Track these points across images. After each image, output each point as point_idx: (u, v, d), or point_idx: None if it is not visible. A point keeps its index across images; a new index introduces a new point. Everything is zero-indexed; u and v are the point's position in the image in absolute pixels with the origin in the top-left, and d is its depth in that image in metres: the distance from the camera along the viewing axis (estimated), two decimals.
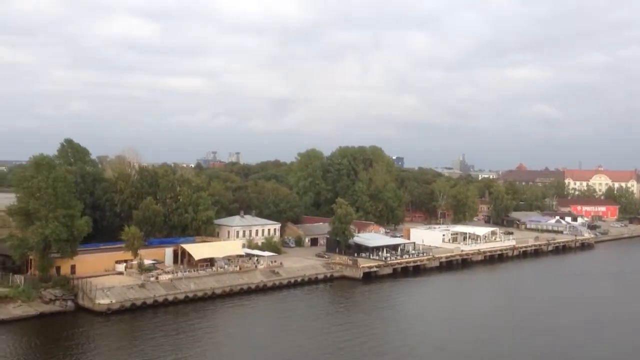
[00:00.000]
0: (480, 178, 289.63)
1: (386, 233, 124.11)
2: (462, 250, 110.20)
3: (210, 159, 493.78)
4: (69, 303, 67.23)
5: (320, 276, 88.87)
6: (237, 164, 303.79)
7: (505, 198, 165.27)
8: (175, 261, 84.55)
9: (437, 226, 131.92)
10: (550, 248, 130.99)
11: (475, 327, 64.93)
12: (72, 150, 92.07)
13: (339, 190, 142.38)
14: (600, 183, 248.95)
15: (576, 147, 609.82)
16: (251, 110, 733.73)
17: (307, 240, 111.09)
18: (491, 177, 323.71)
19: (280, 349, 55.53)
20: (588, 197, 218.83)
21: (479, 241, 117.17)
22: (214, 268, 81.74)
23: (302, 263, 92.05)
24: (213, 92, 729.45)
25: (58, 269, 72.54)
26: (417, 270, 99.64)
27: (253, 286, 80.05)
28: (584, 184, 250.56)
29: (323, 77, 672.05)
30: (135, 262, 75.47)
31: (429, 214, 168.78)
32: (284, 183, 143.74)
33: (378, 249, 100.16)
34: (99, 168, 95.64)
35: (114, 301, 66.92)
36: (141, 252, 77.76)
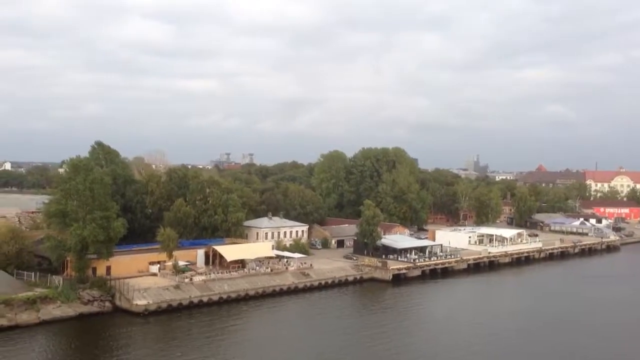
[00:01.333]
0: (497, 179, 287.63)
1: (410, 235, 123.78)
2: (489, 253, 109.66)
3: (224, 160, 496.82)
4: (107, 304, 67.96)
5: (350, 278, 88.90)
6: (253, 165, 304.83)
7: (529, 200, 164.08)
8: (206, 262, 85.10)
9: (462, 228, 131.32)
10: (576, 250, 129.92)
11: (510, 330, 64.64)
12: (103, 152, 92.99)
13: (362, 191, 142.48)
14: (622, 185, 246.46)
15: (591, 148, 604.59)
16: (263, 112, 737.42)
17: (333, 241, 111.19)
18: (508, 178, 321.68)
19: (313, 350, 55.63)
20: (611, 199, 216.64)
21: (505, 243, 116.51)
22: (245, 270, 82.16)
23: (331, 265, 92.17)
24: (226, 93, 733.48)
25: (94, 270, 73.36)
26: (445, 272, 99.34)
27: (285, 288, 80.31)
28: (605, 185, 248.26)
29: (334, 78, 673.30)
30: (169, 263, 76.06)
31: (451, 215, 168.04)
32: (303, 184, 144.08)
33: (406, 250, 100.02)
34: (129, 170, 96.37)
35: (151, 302, 67.53)
36: (175, 253, 78.33)
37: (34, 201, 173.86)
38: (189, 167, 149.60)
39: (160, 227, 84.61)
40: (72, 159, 73.21)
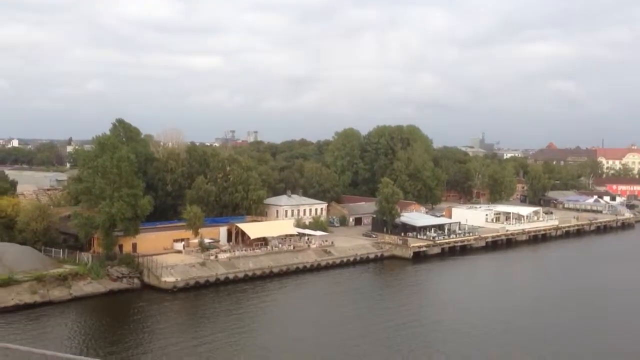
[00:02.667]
0: (505, 157, 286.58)
1: (425, 213, 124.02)
2: (507, 230, 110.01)
3: (229, 138, 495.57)
4: (135, 280, 68.78)
5: (371, 256, 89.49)
6: (261, 143, 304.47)
7: (543, 177, 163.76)
8: (228, 240, 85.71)
9: (478, 206, 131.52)
10: (592, 228, 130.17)
11: (536, 310, 65.14)
12: (124, 130, 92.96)
13: (376, 169, 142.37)
14: (634, 162, 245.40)
15: (601, 125, 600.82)
16: (268, 89, 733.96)
17: (351, 219, 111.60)
18: (516, 155, 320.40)
19: (337, 327, 56.44)
20: (623, 176, 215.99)
21: (522, 221, 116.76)
22: (268, 247, 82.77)
23: (351, 242, 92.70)
24: (230, 70, 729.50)
25: (120, 247, 74.07)
26: (464, 250, 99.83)
27: (308, 265, 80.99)
28: (617, 162, 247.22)
29: (340, 56, 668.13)
30: (195, 240, 76.66)
31: (464, 193, 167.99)
32: (313, 162, 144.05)
33: (425, 228, 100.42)
34: (149, 148, 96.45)
35: (179, 279, 68.30)
36: (200, 231, 78.89)
37: (47, 178, 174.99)
38: (197, 144, 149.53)
39: (183, 205, 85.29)
40: (99, 137, 73.43)
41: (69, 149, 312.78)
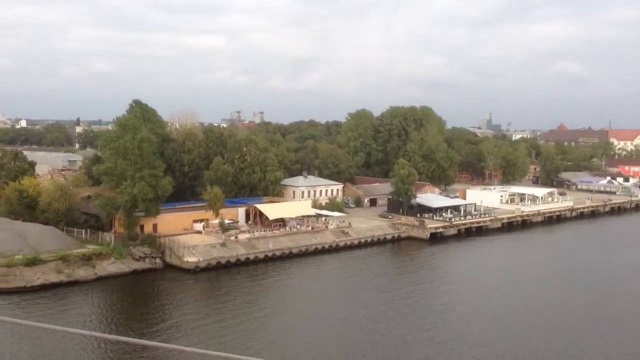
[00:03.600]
0: (514, 138, 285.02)
1: (439, 194, 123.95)
2: (522, 212, 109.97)
3: (235, 118, 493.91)
4: (158, 261, 69.45)
5: (388, 237, 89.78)
6: (269, 124, 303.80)
7: (556, 158, 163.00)
8: (246, 221, 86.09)
9: (492, 187, 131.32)
10: (606, 209, 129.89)
11: (556, 289, 65.44)
12: (141, 111, 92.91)
13: (389, 150, 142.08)
14: None
15: (608, 106, 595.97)
16: (272, 69, 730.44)
17: (366, 200, 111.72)
18: (525, 136, 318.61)
19: (358, 306, 57.04)
20: (636, 157, 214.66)
21: (537, 202, 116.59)
22: (287, 228, 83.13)
23: (368, 223, 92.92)
24: (234, 50, 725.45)
25: (141, 227, 74.59)
26: (480, 231, 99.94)
27: (326, 246, 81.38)
28: (628, 143, 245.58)
29: (345, 36, 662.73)
30: (215, 221, 77.06)
31: (476, 174, 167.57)
32: (326, 143, 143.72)
33: (441, 209, 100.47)
34: (166, 128, 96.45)
35: (200, 259, 68.86)
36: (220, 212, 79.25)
37: (59, 159, 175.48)
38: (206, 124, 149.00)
39: (201, 185, 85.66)
40: (119, 118, 73.55)
41: (78, 129, 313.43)
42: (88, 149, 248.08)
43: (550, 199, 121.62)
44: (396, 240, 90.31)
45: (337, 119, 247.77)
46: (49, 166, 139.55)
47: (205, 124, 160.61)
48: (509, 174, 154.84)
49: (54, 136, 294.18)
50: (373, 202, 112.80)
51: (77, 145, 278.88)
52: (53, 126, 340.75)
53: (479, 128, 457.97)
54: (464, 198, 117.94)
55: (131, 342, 32.85)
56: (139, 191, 68.31)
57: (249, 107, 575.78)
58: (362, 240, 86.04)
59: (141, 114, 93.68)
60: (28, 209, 75.17)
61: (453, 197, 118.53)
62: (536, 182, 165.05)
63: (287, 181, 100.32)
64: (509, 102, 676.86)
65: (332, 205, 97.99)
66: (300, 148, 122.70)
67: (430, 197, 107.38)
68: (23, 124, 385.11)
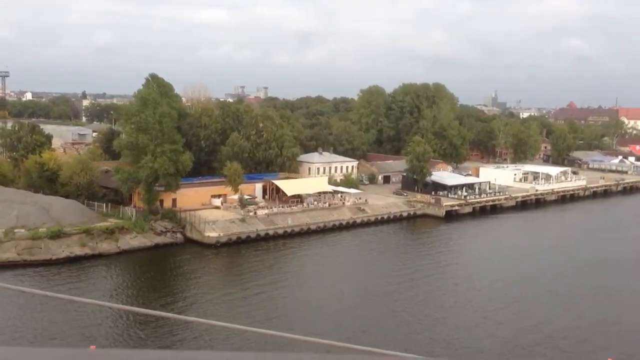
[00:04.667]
0: (521, 116, 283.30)
1: (452, 172, 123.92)
2: (536, 190, 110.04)
3: (239, 94, 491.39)
4: (179, 235, 70.00)
5: (404, 214, 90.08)
6: (276, 99, 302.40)
7: (568, 137, 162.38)
8: (263, 196, 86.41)
9: (505, 165, 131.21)
10: (618, 189, 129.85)
11: (577, 266, 65.84)
12: (157, 85, 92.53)
13: (401, 128, 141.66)
14: None
15: (611, 84, 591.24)
16: (275, 44, 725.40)
17: (380, 177, 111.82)
18: (533, 114, 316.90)
19: (375, 281, 57.56)
20: None
21: (551, 181, 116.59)
22: (304, 204, 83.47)
23: (383, 201, 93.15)
24: (237, 24, 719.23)
25: (161, 202, 75.01)
26: (494, 209, 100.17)
27: (344, 223, 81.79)
28: (638, 122, 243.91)
29: (348, 10, 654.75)
30: (235, 197, 77.39)
31: (487, 152, 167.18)
32: (337, 120, 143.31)
33: (456, 187, 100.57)
34: (182, 103, 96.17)
35: (221, 234, 69.37)
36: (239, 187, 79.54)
37: (70, 132, 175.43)
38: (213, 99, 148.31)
39: (218, 161, 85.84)
40: (140, 92, 73.46)
41: (85, 102, 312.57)
42: (95, 122, 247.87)
43: (563, 177, 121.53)
44: (412, 218, 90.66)
45: (343, 95, 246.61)
46: (61, 139, 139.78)
47: (213, 99, 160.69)
48: (520, 152, 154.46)
49: (61, 109, 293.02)
50: (386, 179, 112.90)
51: (84, 119, 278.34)
52: (59, 99, 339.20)
53: (485, 105, 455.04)
54: (477, 176, 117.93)
55: (153, 315, 33.26)
56: (160, 166, 68.55)
57: (253, 83, 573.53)
58: (379, 217, 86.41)
59: (157, 89, 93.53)
60: (48, 182, 75.51)
61: (465, 175, 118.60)
62: (547, 160, 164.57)
63: (303, 157, 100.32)
64: (514, 79, 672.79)
65: (348, 181, 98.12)
66: (315, 124, 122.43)
67: (445, 175, 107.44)
68: (29, 96, 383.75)
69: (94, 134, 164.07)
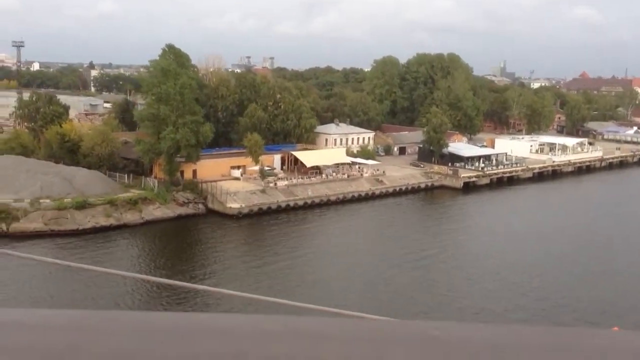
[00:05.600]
0: (532, 86, 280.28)
1: (466, 143, 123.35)
2: (553, 162, 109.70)
3: (245, 64, 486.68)
4: (200, 206, 70.47)
5: (422, 185, 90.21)
6: (285, 70, 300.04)
7: (583, 107, 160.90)
8: (281, 168, 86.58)
9: (521, 136, 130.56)
10: (635, 160, 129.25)
11: (598, 238, 65.99)
12: (174, 56, 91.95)
13: (415, 98, 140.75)
14: None
15: (621, 54, 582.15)
16: (280, 12, 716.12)
17: (395, 148, 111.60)
18: (543, 85, 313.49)
19: (397, 252, 58.20)
20: None
21: (567, 152, 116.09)
22: (323, 175, 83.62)
23: (400, 172, 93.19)
24: None
25: (182, 173, 75.32)
26: (511, 181, 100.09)
27: (363, 194, 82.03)
28: None
29: None
30: (256, 168, 77.58)
31: (500, 123, 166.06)
32: (350, 90, 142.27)
33: (472, 159, 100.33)
34: (199, 74, 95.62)
35: (243, 205, 69.78)
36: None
37: (81, 103, 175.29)
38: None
39: (235, 132, 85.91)
40: (159, 62, 73.24)
41: (94, 73, 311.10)
42: (104, 92, 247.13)
43: (580, 149, 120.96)
44: (429, 189, 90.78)
45: (351, 66, 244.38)
46: (75, 110, 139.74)
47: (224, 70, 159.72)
48: (534, 123, 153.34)
49: (70, 80, 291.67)
50: (402, 151, 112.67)
51: (93, 89, 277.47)
52: (66, 69, 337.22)
53: (494, 76, 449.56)
54: (492, 147, 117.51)
55: (177, 285, 33.56)
56: (182, 137, 68.63)
57: (259, 53, 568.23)
58: (397, 189, 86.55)
59: (175, 59, 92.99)
60: (69, 153, 75.84)
61: (481, 147, 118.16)
62: (561, 131, 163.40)
63: (319, 129, 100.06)
64: (522, 49, 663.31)
65: (364, 153, 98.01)
66: (330, 95, 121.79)
67: (461, 146, 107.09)
68: (36, 66, 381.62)
69: (105, 105, 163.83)
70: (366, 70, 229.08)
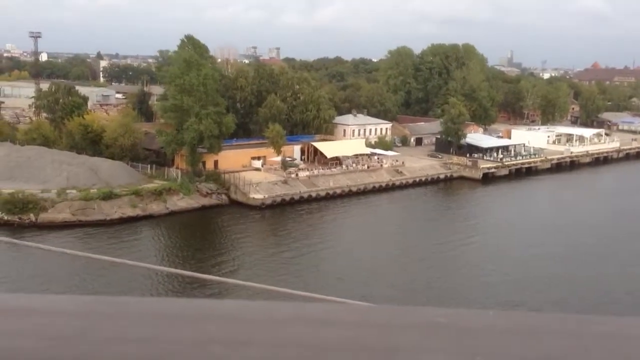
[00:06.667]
0: (541, 77, 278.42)
1: (482, 134, 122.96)
2: (571, 152, 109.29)
3: (252, 54, 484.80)
4: (223, 197, 70.72)
5: (441, 176, 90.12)
6: (294, 60, 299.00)
7: (597, 98, 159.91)
8: (300, 159, 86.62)
9: (537, 127, 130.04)
10: None
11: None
12: (193, 47, 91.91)
13: (429, 89, 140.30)
14: None
15: (628, 44, 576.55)
16: (284, 3, 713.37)
17: (412, 139, 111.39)
18: (552, 75, 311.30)
19: (420, 243, 58.45)
20: None
21: (585, 143, 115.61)
22: (343, 166, 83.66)
23: (419, 163, 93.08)
24: None
25: (204, 163, 75.52)
26: (529, 172, 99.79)
27: (384, 184, 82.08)
28: None
29: None
30: (278, 159, 77.71)
31: (514, 114, 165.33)
32: (364, 81, 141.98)
33: (490, 149, 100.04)
34: (218, 64, 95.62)
35: (266, 196, 69.96)
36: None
37: (94, 93, 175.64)
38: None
39: (254, 123, 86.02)
40: (180, 53, 73.39)
41: (103, 63, 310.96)
42: (114, 83, 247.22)
43: (597, 139, 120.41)
44: (448, 180, 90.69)
45: (355, 56, 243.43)
46: (89, 101, 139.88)
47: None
48: (549, 113, 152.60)
49: (79, 70, 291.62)
50: (418, 142, 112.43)
51: (101, 80, 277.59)
52: (75, 60, 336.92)
53: (502, 66, 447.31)
54: (508, 138, 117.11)
55: (200, 278, 33.63)
56: (206, 128, 68.75)
57: (264, 44, 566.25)
58: (416, 180, 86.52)
59: (193, 50, 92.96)
60: (92, 143, 76.12)
61: (497, 137, 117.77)
62: (575, 122, 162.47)
63: (337, 119, 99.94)
64: (528, 39, 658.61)
65: (382, 144, 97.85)
66: (347, 86, 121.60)
67: (480, 137, 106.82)
68: (44, 57, 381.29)
69: (117, 95, 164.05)
70: (375, 60, 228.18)
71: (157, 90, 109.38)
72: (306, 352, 0.98)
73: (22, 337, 0.99)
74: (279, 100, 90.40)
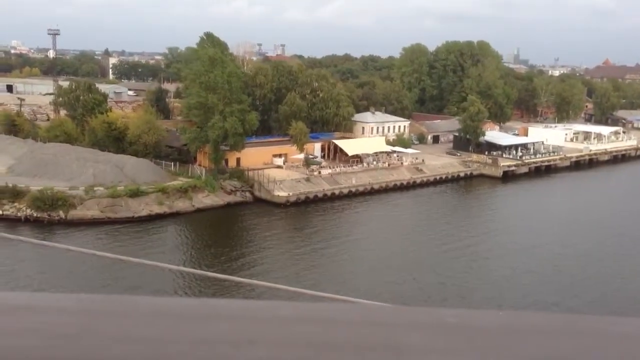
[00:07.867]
0: (550, 74, 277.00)
1: (499, 131, 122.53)
2: (590, 150, 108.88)
3: (257, 51, 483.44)
4: (247, 194, 70.84)
5: (461, 174, 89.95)
6: (302, 57, 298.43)
7: (612, 96, 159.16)
8: (321, 156, 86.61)
9: (554, 125, 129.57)
10: None
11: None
12: (212, 44, 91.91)
13: (444, 87, 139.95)
14: None
15: (635, 40, 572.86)
16: (287, 1, 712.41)
17: (429, 137, 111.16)
18: (563, 72, 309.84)
19: (444, 241, 58.35)
20: None
21: (603, 141, 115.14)
22: (364, 164, 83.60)
23: (438, 161, 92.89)
24: None
25: (226, 161, 75.64)
26: (548, 169, 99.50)
27: (405, 182, 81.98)
28: None
29: None
30: (301, 156, 77.73)
31: (527, 111, 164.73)
32: (378, 78, 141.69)
33: (510, 147, 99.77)
34: (237, 62, 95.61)
35: (291, 194, 70.01)
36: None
37: (106, 90, 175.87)
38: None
39: (274, 120, 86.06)
40: (203, 50, 73.45)
41: (112, 60, 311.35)
42: (124, 80, 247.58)
43: (614, 137, 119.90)
44: (468, 178, 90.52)
45: (361, 53, 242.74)
46: None
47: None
48: (563, 111, 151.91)
49: (89, 67, 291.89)
50: (435, 139, 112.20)
51: (111, 76, 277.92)
52: (84, 57, 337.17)
53: (510, 63, 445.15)
54: (525, 136, 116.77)
55: (227, 279, 33.55)
56: (231, 126, 68.79)
57: (268, 40, 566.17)
58: (437, 177, 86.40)
59: (212, 48, 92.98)
60: (115, 141, 76.30)
61: (514, 135, 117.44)
62: (589, 120, 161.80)
63: (356, 117, 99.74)
64: (535, 36, 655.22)
65: (400, 141, 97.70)
66: (364, 83, 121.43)
67: (498, 135, 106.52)
68: (51, 54, 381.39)
69: (129, 92, 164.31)
70: (383, 57, 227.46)
71: (168, 87, 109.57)
72: (313, 352, 0.98)
73: (27, 335, 0.99)
74: (299, 97, 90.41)
